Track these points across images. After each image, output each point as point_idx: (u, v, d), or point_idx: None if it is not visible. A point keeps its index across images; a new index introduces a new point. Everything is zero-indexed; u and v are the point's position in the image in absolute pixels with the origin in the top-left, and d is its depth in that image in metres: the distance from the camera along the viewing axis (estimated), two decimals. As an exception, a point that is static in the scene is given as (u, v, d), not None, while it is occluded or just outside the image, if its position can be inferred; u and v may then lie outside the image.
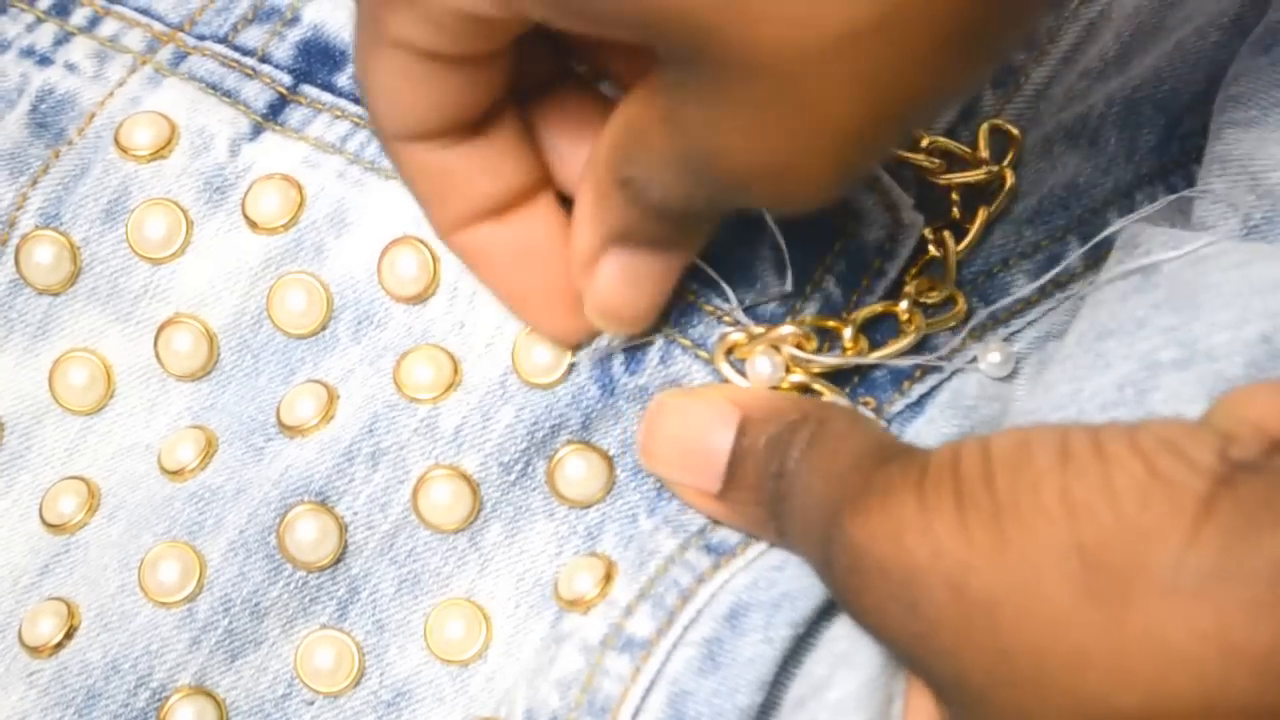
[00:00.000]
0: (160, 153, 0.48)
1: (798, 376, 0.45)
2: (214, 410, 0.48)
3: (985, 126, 0.49)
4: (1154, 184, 0.48)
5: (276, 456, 0.46)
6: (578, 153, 0.43)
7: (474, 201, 0.43)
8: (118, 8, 0.51)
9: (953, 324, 0.46)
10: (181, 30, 0.50)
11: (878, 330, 0.46)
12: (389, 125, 0.41)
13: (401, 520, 0.46)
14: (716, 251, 0.45)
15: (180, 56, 0.50)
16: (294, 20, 0.50)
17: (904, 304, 0.46)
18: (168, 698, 0.45)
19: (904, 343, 0.45)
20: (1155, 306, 0.41)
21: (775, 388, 0.45)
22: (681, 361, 0.46)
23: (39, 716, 0.45)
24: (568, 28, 0.36)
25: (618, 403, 0.46)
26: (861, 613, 0.38)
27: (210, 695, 0.45)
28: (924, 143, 0.49)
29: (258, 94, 0.49)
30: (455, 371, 0.46)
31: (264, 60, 0.50)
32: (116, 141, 0.48)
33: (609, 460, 0.46)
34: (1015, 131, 0.49)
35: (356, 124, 0.48)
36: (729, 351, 0.45)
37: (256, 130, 0.49)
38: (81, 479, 0.48)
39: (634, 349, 0.46)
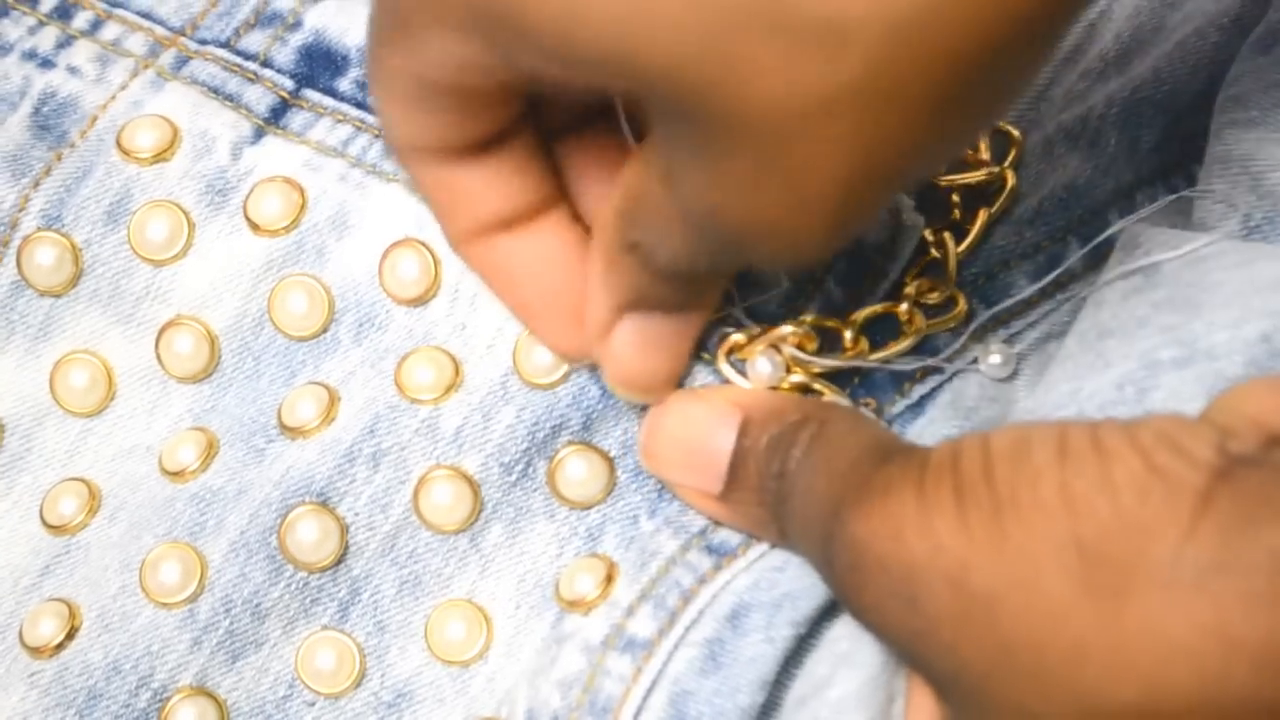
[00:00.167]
0: (162, 155, 0.48)
1: (798, 377, 0.45)
2: (215, 412, 0.48)
3: None
4: (1154, 184, 0.48)
5: (278, 458, 0.46)
6: (598, 194, 0.43)
7: (483, 216, 0.43)
8: (120, 11, 0.51)
9: (953, 325, 0.46)
10: (183, 35, 0.50)
11: (878, 331, 0.46)
12: (398, 141, 0.41)
13: (402, 521, 0.46)
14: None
15: (182, 61, 0.50)
16: (296, 25, 0.50)
17: (904, 305, 0.46)
18: (169, 698, 0.45)
19: (904, 343, 0.45)
20: (1155, 306, 0.41)
21: (776, 388, 0.45)
22: (681, 362, 0.46)
23: (40, 717, 0.45)
24: (561, 81, 0.36)
25: (618, 403, 0.46)
26: (862, 610, 0.38)
27: (211, 696, 0.45)
28: None
29: (260, 98, 0.49)
30: (456, 373, 0.46)
31: (266, 65, 0.50)
32: (119, 144, 0.49)
33: (610, 461, 0.46)
34: (1016, 133, 0.49)
35: (358, 128, 0.49)
36: (730, 352, 0.45)
37: (258, 134, 0.49)
38: (82, 480, 0.48)
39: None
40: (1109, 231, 0.45)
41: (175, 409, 0.48)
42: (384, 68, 0.39)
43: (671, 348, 0.43)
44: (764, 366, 0.45)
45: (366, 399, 0.46)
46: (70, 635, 0.46)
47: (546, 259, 0.43)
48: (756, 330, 0.45)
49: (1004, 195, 0.48)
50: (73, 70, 0.50)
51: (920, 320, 0.46)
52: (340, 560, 0.46)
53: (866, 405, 0.45)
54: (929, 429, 0.46)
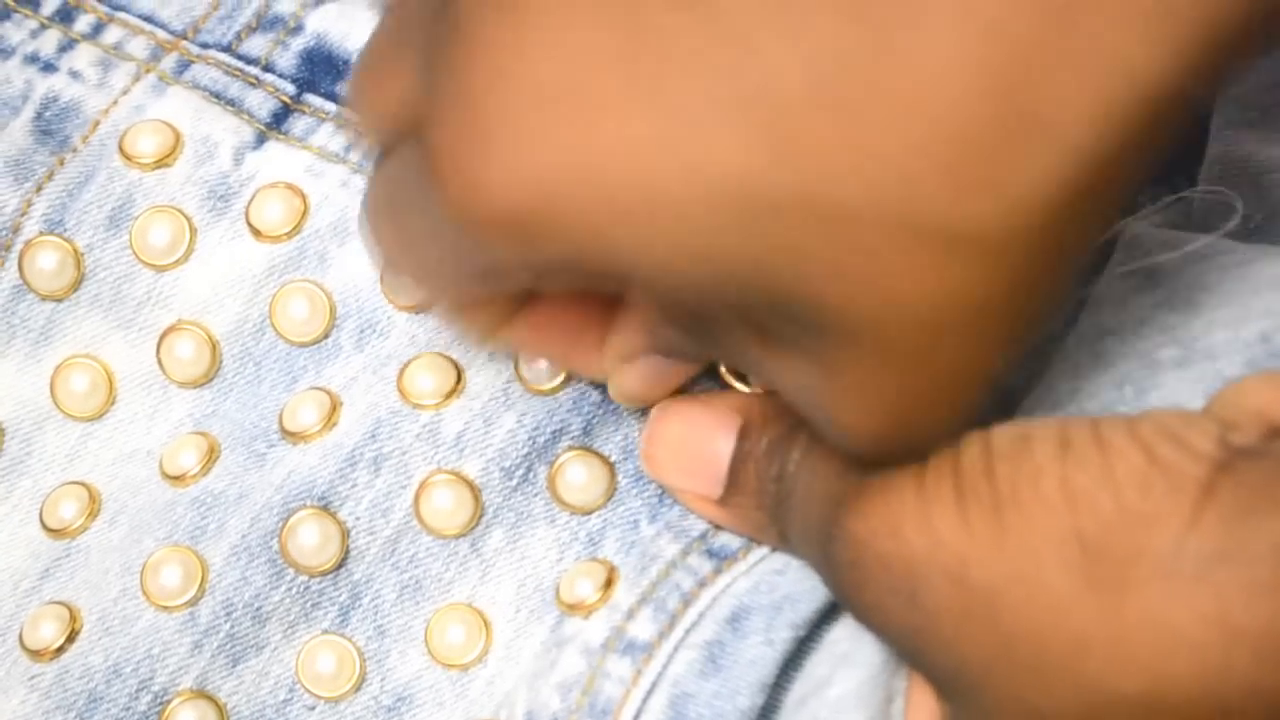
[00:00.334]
0: (164, 161, 0.49)
1: None
2: (216, 417, 0.48)
3: None
4: (1156, 184, 0.48)
5: (279, 462, 0.46)
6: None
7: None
8: (121, 14, 0.51)
9: None
10: (185, 38, 0.51)
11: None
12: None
13: (403, 525, 0.46)
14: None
15: (184, 65, 0.50)
16: (297, 29, 0.50)
17: None
18: (169, 701, 0.45)
19: None
20: (1155, 306, 0.42)
21: (775, 391, 0.45)
22: (683, 366, 0.46)
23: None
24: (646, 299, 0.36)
25: (619, 407, 0.46)
26: (862, 608, 0.38)
27: (212, 699, 0.45)
28: None
29: (261, 103, 0.49)
30: (458, 379, 0.46)
31: (267, 69, 0.50)
32: (121, 149, 0.49)
33: (610, 466, 0.46)
34: None
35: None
36: (730, 354, 0.45)
37: (260, 139, 0.49)
38: (82, 484, 0.48)
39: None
40: (1109, 232, 0.45)
41: (176, 414, 0.48)
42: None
43: (681, 376, 0.44)
44: (764, 369, 0.45)
45: (368, 404, 0.46)
46: (71, 638, 0.46)
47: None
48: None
49: None
50: (75, 75, 0.50)
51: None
52: (341, 564, 0.46)
53: (867, 407, 0.45)
54: (929, 430, 0.45)
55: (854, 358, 0.34)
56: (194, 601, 0.45)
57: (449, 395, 0.46)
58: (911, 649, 0.37)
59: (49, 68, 0.50)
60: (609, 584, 0.44)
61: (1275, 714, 0.32)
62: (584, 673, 0.43)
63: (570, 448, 0.46)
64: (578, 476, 0.46)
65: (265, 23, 0.50)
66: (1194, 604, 0.32)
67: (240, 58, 0.50)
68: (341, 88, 0.50)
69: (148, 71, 0.50)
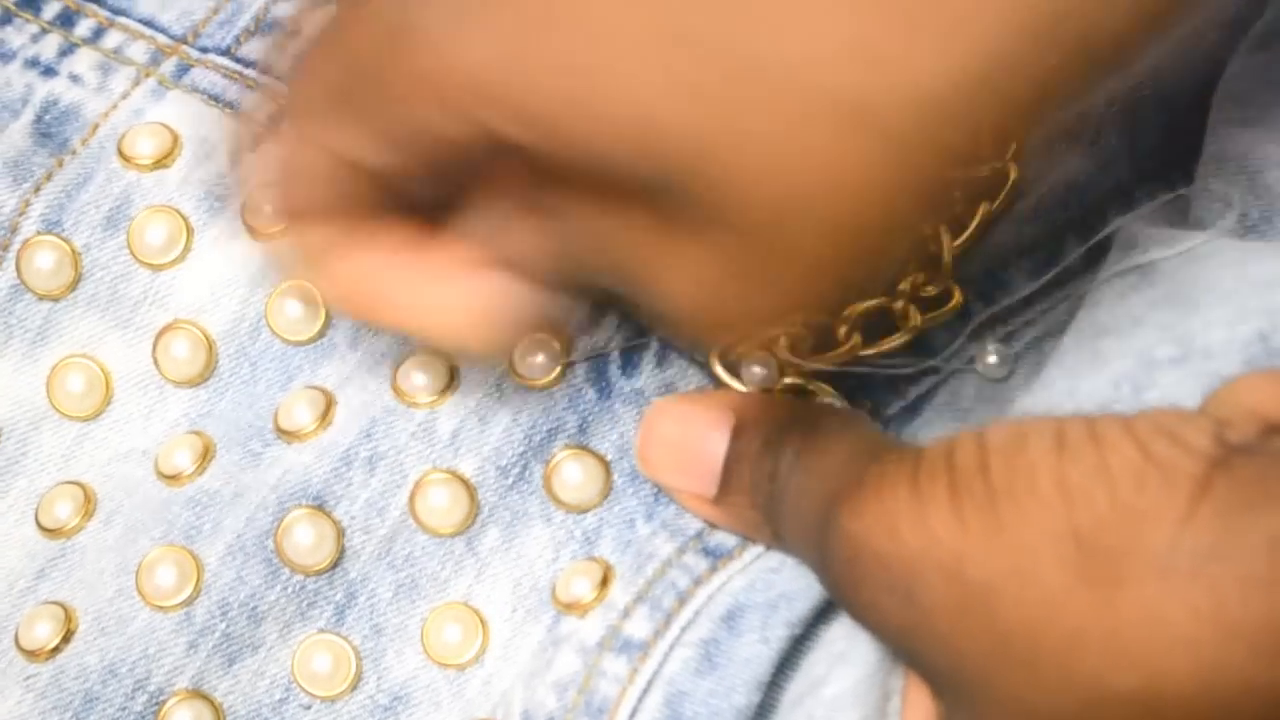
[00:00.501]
0: (163, 162, 0.49)
1: (793, 378, 0.45)
2: (211, 416, 0.48)
3: None
4: (1153, 182, 0.48)
5: (274, 461, 0.46)
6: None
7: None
8: (122, 19, 0.51)
9: (948, 318, 0.46)
10: (185, 43, 0.51)
11: (873, 328, 0.46)
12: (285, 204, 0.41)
13: (399, 524, 0.46)
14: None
15: (183, 69, 0.50)
16: (296, 33, 0.50)
17: (900, 300, 0.46)
18: (165, 701, 0.45)
19: (900, 339, 0.45)
20: (1152, 304, 0.41)
21: (770, 390, 0.45)
22: (677, 365, 0.46)
23: (36, 720, 0.45)
24: (546, 158, 0.36)
25: (614, 406, 0.46)
26: (858, 607, 0.38)
27: (208, 699, 0.45)
28: None
29: (260, 106, 0.49)
30: (452, 375, 0.46)
31: (266, 73, 0.50)
32: (119, 151, 0.49)
33: (606, 465, 0.46)
34: None
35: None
36: (724, 353, 0.45)
37: (259, 141, 0.49)
38: (78, 484, 0.48)
39: (630, 352, 0.46)
40: (1107, 230, 0.45)
41: (172, 413, 0.48)
42: (304, 138, 0.39)
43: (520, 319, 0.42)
44: (758, 368, 0.45)
45: (363, 402, 0.46)
46: (66, 638, 0.46)
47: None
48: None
49: (1007, 189, 0.48)
50: (74, 78, 0.50)
51: (916, 316, 0.46)
52: (337, 563, 0.46)
53: (862, 406, 0.45)
54: (925, 429, 0.46)
55: (722, 223, 0.34)
56: (189, 601, 0.45)
57: (443, 392, 0.46)
58: (907, 647, 0.37)
59: (49, 72, 0.50)
60: (605, 583, 0.44)
61: (1271, 709, 0.32)
62: (580, 672, 0.43)
63: (566, 446, 0.46)
64: (573, 475, 0.45)
65: (264, 27, 0.51)
66: (1189, 600, 0.32)
67: (239, 61, 0.50)
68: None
69: (147, 75, 0.50)
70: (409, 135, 0.37)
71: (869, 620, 0.38)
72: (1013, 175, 0.48)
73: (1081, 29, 0.33)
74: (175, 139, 0.49)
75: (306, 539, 0.45)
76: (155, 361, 0.48)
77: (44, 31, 0.51)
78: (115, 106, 0.50)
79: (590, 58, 0.33)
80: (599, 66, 0.33)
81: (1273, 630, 0.32)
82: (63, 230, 0.49)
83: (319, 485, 0.46)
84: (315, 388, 0.47)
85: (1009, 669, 0.34)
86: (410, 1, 0.36)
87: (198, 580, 0.45)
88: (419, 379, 0.46)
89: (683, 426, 0.43)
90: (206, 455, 0.47)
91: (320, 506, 0.45)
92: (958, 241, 0.47)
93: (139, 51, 0.50)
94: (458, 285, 0.41)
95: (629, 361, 0.46)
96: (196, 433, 0.48)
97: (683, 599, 0.43)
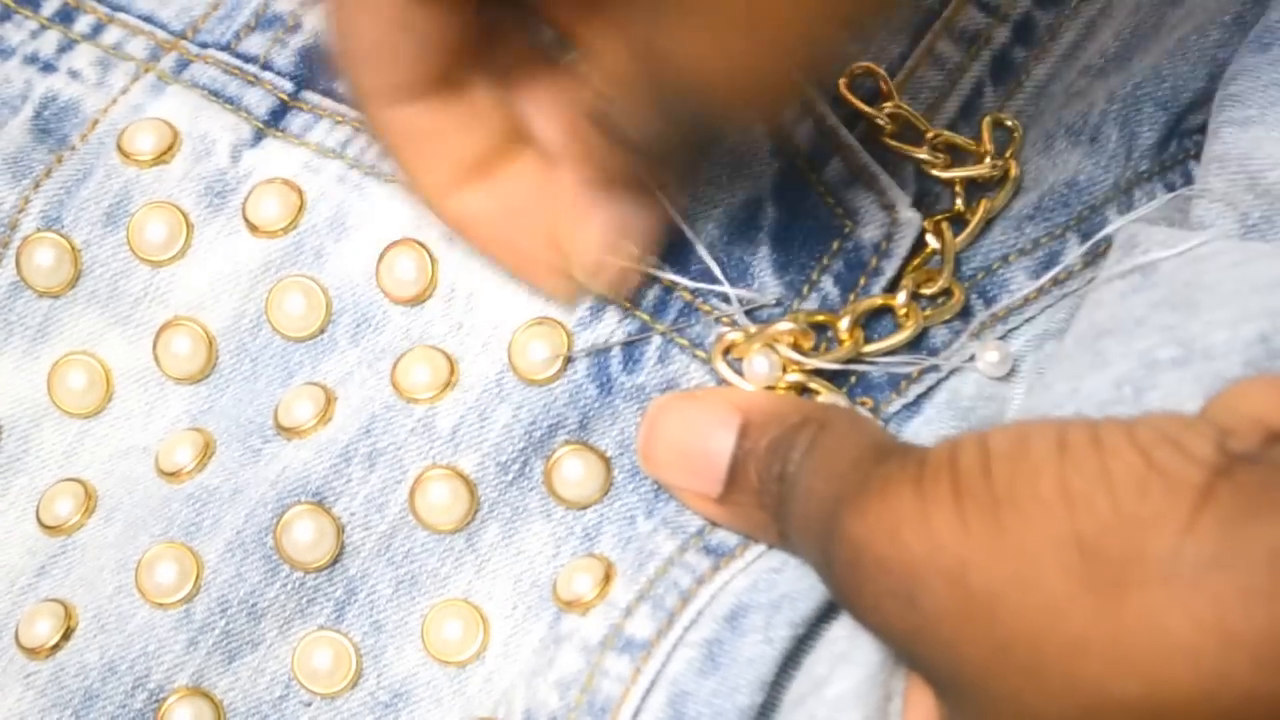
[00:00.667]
0: (162, 158, 0.49)
1: (795, 376, 0.45)
2: (212, 413, 0.48)
3: (988, 120, 0.49)
4: (1153, 181, 0.48)
5: (274, 458, 0.46)
6: (555, 119, 0.45)
7: (458, 160, 0.43)
8: (121, 15, 0.51)
9: (949, 316, 0.46)
10: (184, 38, 0.51)
11: (876, 327, 0.46)
12: (372, 85, 0.43)
13: (399, 521, 0.46)
14: (716, 253, 0.46)
15: (183, 64, 0.50)
16: (296, 27, 0.50)
17: (901, 297, 0.46)
18: (165, 699, 0.45)
19: (902, 336, 0.45)
20: (1154, 305, 0.41)
21: (772, 388, 0.45)
22: (679, 361, 0.46)
23: (36, 717, 0.45)
24: None
25: (615, 402, 0.46)
26: (861, 609, 0.38)
27: (208, 696, 0.45)
28: (929, 135, 0.49)
29: (259, 101, 0.49)
30: (452, 371, 0.46)
31: (266, 67, 0.50)
32: (119, 147, 0.49)
33: (606, 461, 0.46)
34: (1014, 123, 0.49)
35: (357, 129, 0.49)
36: (726, 351, 0.45)
37: (258, 136, 0.49)
38: (78, 481, 0.48)
39: (632, 348, 0.46)
40: (1108, 230, 0.45)
41: (173, 410, 0.48)
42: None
43: (639, 235, 0.45)
44: (760, 366, 0.45)
45: (363, 399, 0.46)
46: (66, 636, 0.46)
47: (526, 198, 0.44)
48: (752, 329, 0.45)
49: (1007, 185, 0.48)
50: (74, 74, 0.50)
51: (917, 313, 0.46)
52: (336, 560, 0.46)
53: (863, 404, 0.45)
54: (925, 428, 0.45)
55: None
56: (189, 598, 0.45)
57: (443, 388, 0.46)
58: (910, 650, 0.37)
59: (48, 68, 0.50)
60: (606, 580, 0.44)
61: (1272, 719, 0.32)
62: (582, 670, 0.43)
63: (566, 442, 0.46)
64: (574, 471, 0.46)
65: (264, 21, 0.50)
66: (1191, 609, 0.32)
67: (239, 56, 0.50)
68: (339, 85, 0.49)
69: (147, 71, 0.50)
70: None
71: (872, 623, 0.38)
72: (1013, 172, 0.48)
73: None
74: (175, 134, 0.49)
75: (306, 535, 0.45)
76: (156, 358, 0.48)
77: (43, 27, 0.51)
78: (114, 102, 0.50)
79: None
80: None
81: (1274, 640, 0.32)
82: (62, 227, 0.48)
83: (319, 481, 0.46)
84: (315, 384, 0.47)
85: (1010, 674, 0.34)
86: None
87: (197, 577, 0.45)
88: (418, 374, 0.46)
89: (688, 425, 0.43)
90: (207, 452, 0.47)
91: (320, 503, 0.45)
92: (959, 238, 0.47)
93: (138, 47, 0.50)
94: (573, 238, 0.44)
95: (630, 357, 0.46)
96: (197, 429, 0.48)
97: (685, 598, 0.43)
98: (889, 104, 0.50)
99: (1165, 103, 0.48)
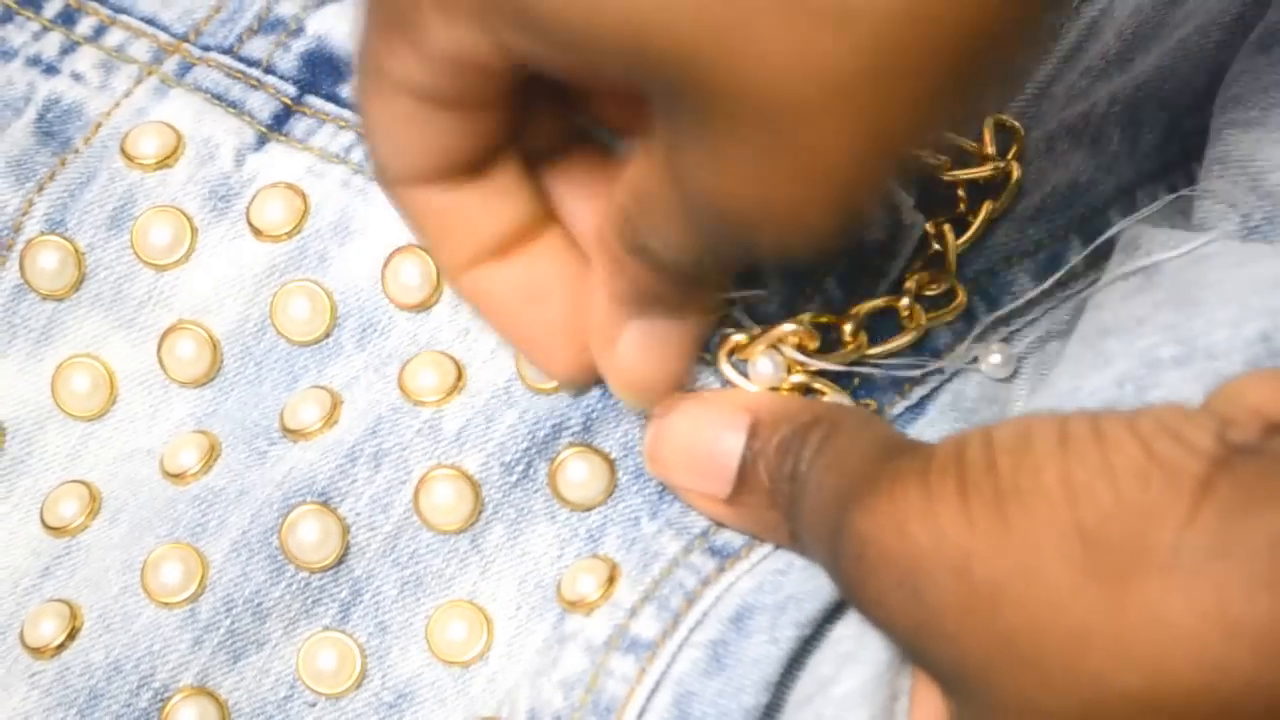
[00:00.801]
0: (166, 162, 0.49)
1: (799, 377, 0.45)
2: (217, 416, 0.48)
3: (990, 122, 0.49)
4: (1155, 182, 0.48)
5: (279, 459, 0.46)
6: (590, 211, 0.43)
7: (477, 242, 0.43)
8: (123, 17, 0.51)
9: (951, 317, 0.46)
10: (187, 41, 0.51)
11: (879, 327, 0.46)
12: (391, 169, 0.41)
13: (403, 521, 0.46)
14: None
15: (186, 67, 0.50)
16: (298, 31, 0.50)
17: (905, 299, 0.46)
18: (170, 698, 0.45)
19: (906, 338, 0.46)
20: (1156, 305, 0.42)
21: (777, 389, 0.45)
22: (683, 363, 0.46)
23: (41, 717, 0.45)
24: (559, 68, 0.36)
25: (619, 405, 0.46)
26: (867, 603, 0.38)
27: (212, 696, 0.45)
28: None
29: (263, 105, 0.49)
30: (459, 376, 0.46)
31: (269, 71, 0.50)
32: (123, 150, 0.49)
33: (610, 463, 0.46)
34: (1016, 125, 0.49)
35: (361, 134, 0.49)
36: (731, 353, 0.45)
37: (261, 140, 0.49)
38: (83, 483, 0.48)
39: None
40: (1110, 232, 0.46)
41: (177, 413, 0.48)
42: (379, 77, 0.39)
43: (677, 351, 0.43)
44: (765, 367, 0.45)
45: (369, 402, 0.46)
46: (71, 635, 0.46)
47: (544, 283, 0.43)
48: (757, 330, 0.45)
49: (1010, 188, 0.48)
50: (76, 77, 0.50)
51: (921, 315, 0.46)
52: (341, 560, 0.46)
53: (867, 406, 0.45)
54: (929, 430, 0.46)
55: (741, 135, 0.34)
56: (194, 598, 0.45)
57: (450, 392, 0.46)
58: (915, 644, 0.37)
59: (51, 70, 0.51)
60: (611, 581, 0.44)
61: (1273, 709, 0.32)
62: (587, 671, 0.43)
63: (571, 444, 0.46)
64: (578, 473, 0.46)
65: (266, 25, 0.51)
66: (1193, 599, 0.32)
67: (242, 60, 0.50)
68: (343, 89, 0.50)
69: (149, 74, 0.50)
70: (443, 58, 0.37)
71: (877, 617, 0.38)
72: (1015, 174, 0.48)
73: None
74: (178, 138, 0.49)
75: (311, 536, 0.45)
76: (160, 361, 0.48)
77: (45, 29, 0.51)
78: (118, 105, 0.50)
79: None
80: None
81: (1275, 630, 0.32)
82: (66, 230, 0.49)
83: (324, 482, 0.46)
84: (321, 387, 0.47)
85: (1014, 667, 0.34)
86: None
87: (202, 577, 0.45)
88: (426, 378, 0.46)
89: (696, 426, 0.43)
90: (212, 454, 0.47)
91: (325, 503, 0.46)
92: (961, 240, 0.47)
93: (141, 50, 0.50)
94: (609, 356, 0.43)
95: (634, 359, 0.46)
96: (202, 432, 0.48)
97: (690, 599, 0.43)
98: None
99: (1166, 103, 0.48)
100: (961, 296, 0.46)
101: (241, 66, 0.50)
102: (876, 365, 0.46)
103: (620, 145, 0.44)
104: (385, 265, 0.47)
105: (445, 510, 0.45)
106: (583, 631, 0.44)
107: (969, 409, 0.46)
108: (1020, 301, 0.47)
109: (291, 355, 0.48)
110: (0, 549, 0.48)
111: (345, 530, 0.46)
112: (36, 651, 0.46)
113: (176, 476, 0.47)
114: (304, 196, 0.48)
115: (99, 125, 0.49)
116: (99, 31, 0.51)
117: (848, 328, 0.45)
